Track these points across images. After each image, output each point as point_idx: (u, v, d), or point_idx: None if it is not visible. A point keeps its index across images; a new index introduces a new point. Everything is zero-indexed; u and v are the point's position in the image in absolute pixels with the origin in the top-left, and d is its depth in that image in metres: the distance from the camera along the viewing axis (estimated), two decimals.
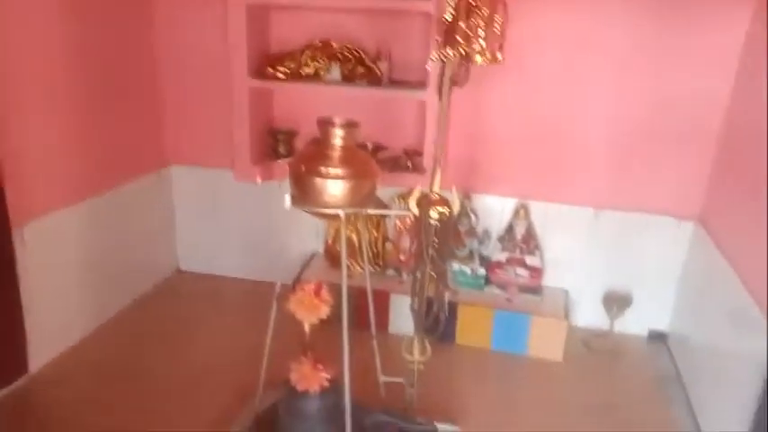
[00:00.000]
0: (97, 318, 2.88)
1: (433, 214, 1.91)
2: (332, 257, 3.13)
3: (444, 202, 1.93)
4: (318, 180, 1.75)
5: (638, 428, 2.37)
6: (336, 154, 1.76)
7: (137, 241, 3.12)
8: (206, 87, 3.10)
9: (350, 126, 1.78)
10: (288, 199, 1.93)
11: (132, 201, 3.03)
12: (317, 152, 1.78)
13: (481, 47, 1.67)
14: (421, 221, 1.92)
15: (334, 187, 1.75)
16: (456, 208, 1.94)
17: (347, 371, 1.85)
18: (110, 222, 2.88)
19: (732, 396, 2.11)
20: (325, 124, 1.78)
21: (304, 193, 1.80)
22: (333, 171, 1.74)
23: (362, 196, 1.82)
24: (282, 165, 3.08)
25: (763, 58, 2.28)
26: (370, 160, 1.85)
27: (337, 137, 1.76)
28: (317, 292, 1.89)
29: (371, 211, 2.01)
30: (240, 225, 3.34)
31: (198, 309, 3.12)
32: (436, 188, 1.95)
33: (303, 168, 1.77)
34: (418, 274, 2.00)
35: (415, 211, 1.93)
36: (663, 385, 2.64)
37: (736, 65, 2.53)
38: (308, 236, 3.26)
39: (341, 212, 1.79)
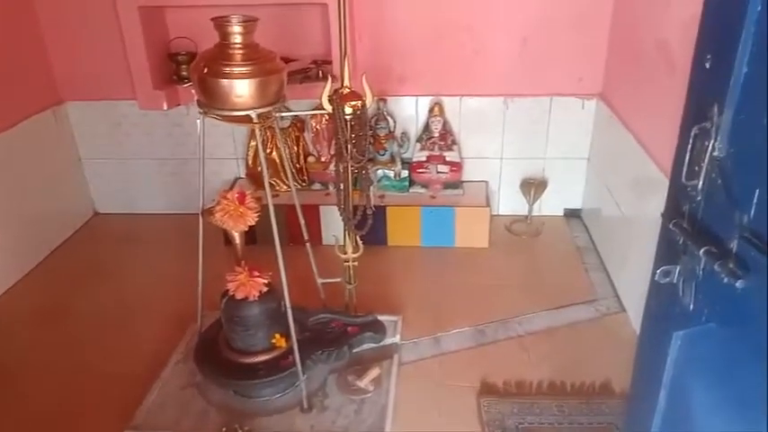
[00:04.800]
0: (20, 268, 2.78)
1: (347, 110, 1.91)
2: (255, 179, 3.08)
3: (356, 95, 1.93)
4: (224, 81, 1.69)
5: (563, 292, 2.56)
6: (238, 52, 1.70)
7: (47, 186, 2.96)
8: (90, 11, 2.84)
9: (248, 21, 1.71)
10: (199, 124, 1.86)
11: (30, 143, 2.84)
12: (219, 53, 1.72)
13: None
14: (335, 118, 1.92)
15: (241, 87, 1.70)
16: (368, 100, 1.95)
17: (283, 271, 1.87)
18: (10, 168, 2.71)
19: (640, 254, 2.31)
20: (222, 22, 1.70)
21: (211, 99, 1.74)
22: (237, 70, 1.69)
23: (272, 94, 1.78)
24: (187, 88, 2.95)
25: None
26: (275, 56, 1.79)
27: (236, 33, 1.69)
28: (242, 200, 1.88)
29: (285, 114, 1.99)
30: (153, 159, 3.21)
31: (121, 248, 3.04)
32: (347, 82, 1.94)
33: (206, 71, 1.70)
34: (341, 170, 2.02)
35: (329, 107, 1.92)
36: (580, 255, 2.86)
37: None
38: (227, 162, 3.19)
39: (253, 113, 1.75)
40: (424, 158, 2.98)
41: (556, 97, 2.92)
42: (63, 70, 3.00)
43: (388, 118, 2.97)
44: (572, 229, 3.07)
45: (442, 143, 2.97)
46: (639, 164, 2.31)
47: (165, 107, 2.90)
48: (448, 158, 2.97)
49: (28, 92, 2.86)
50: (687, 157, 1.01)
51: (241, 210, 1.86)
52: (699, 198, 1.02)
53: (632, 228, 2.43)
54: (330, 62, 2.89)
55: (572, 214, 3.16)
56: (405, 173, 2.99)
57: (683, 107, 1.09)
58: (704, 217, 1.02)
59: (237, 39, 1.70)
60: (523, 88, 2.91)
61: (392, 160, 3.00)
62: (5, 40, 2.70)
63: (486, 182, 3.10)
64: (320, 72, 2.93)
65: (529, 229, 3.07)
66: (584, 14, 2.75)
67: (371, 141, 2.94)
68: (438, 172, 2.97)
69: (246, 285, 1.91)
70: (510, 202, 3.16)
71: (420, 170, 2.98)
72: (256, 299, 1.92)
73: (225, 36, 1.71)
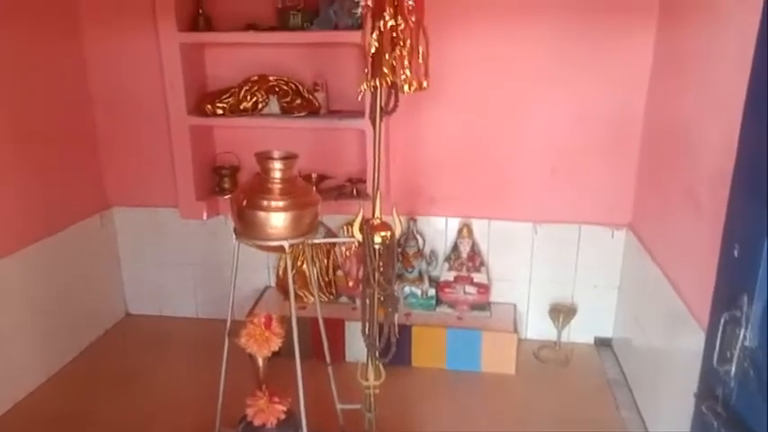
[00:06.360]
0: (49, 368, 2.81)
1: (376, 239, 1.96)
2: (284, 290, 3.12)
3: (386, 226, 1.99)
4: (260, 213, 1.78)
5: (590, 431, 2.44)
6: (277, 186, 1.80)
7: (83, 287, 3.04)
8: (145, 126, 3.09)
9: (288, 158, 1.82)
10: (234, 251, 1.95)
11: (75, 246, 2.97)
12: (258, 185, 1.82)
13: (407, 76, 1.74)
14: (365, 247, 1.97)
15: (277, 219, 1.78)
16: (398, 231, 1.99)
17: (302, 401, 1.85)
18: (53, 269, 2.82)
19: (672, 394, 2.22)
20: (263, 158, 1.81)
21: (247, 228, 1.83)
22: (274, 203, 1.78)
23: (305, 225, 1.85)
24: (228, 200, 3.08)
25: (669, 67, 2.48)
26: (311, 190, 1.89)
27: (276, 170, 1.80)
28: (268, 325, 1.91)
29: (316, 241, 2.05)
30: (188, 264, 3.30)
31: (149, 352, 3.06)
32: (377, 214, 2.01)
33: (245, 203, 1.79)
34: (367, 299, 2.04)
35: (359, 237, 1.97)
36: (611, 389, 2.75)
37: (648, 76, 2.70)
38: (259, 270, 3.25)
39: (285, 244, 1.81)
40: (451, 278, 2.99)
41: (585, 225, 2.94)
42: (113, 178, 3.20)
43: (418, 237, 3.03)
44: (602, 360, 2.97)
45: (470, 264, 2.99)
46: (667, 300, 2.27)
47: (205, 217, 3.03)
48: (476, 280, 2.97)
49: (80, 198, 3.03)
50: (718, 343, 0.99)
51: (266, 335, 1.88)
52: (732, 384, 1.00)
53: (664, 365, 2.34)
54: (364, 181, 3.00)
55: (603, 343, 3.08)
56: (432, 291, 2.99)
57: (709, 249, 1.08)
58: (738, 404, 0.99)
59: (277, 174, 1.80)
60: (553, 215, 2.95)
61: (420, 278, 3.02)
62: (64, 151, 2.91)
63: (513, 305, 3.07)
64: (354, 190, 3.03)
65: (557, 356, 2.98)
66: (613, 146, 2.83)
67: (400, 259, 2.98)
68: (465, 293, 2.97)
69: (265, 412, 1.90)
70: (538, 326, 3.10)
71: (447, 290, 2.99)
72: (274, 426, 1.90)
73: (266, 171, 1.82)
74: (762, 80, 1.06)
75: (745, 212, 0.99)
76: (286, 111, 2.92)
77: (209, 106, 2.90)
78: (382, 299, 2.06)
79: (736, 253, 0.98)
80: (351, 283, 2.96)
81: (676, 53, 2.43)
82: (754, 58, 1.23)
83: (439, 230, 3.09)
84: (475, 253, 3.00)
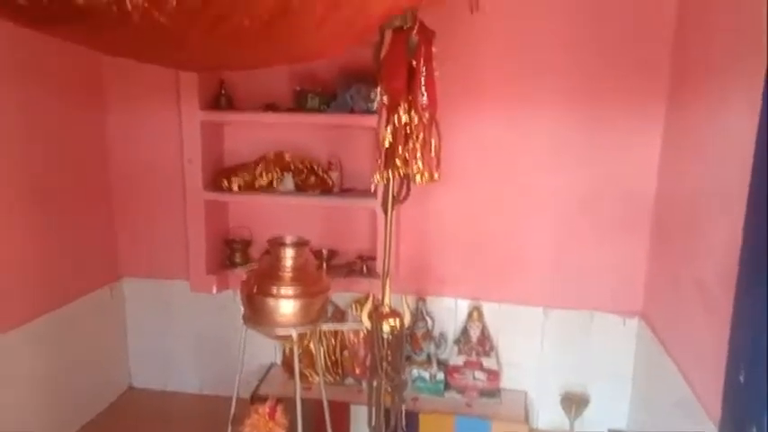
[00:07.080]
0: None
1: (385, 328, 1.95)
2: (290, 369, 3.06)
3: (395, 314, 1.98)
4: (270, 300, 1.78)
5: None
6: (287, 274, 1.81)
7: (88, 360, 3.01)
8: (161, 199, 3.15)
9: (300, 245, 1.84)
10: (242, 337, 1.95)
11: (84, 318, 2.96)
12: (269, 272, 1.83)
13: (419, 168, 1.79)
14: (373, 337, 1.95)
15: (286, 306, 1.79)
16: (407, 319, 1.98)
17: None
18: (59, 343, 2.79)
19: None
20: (275, 245, 1.84)
21: (256, 314, 1.83)
22: (284, 291, 1.78)
23: (315, 312, 1.85)
24: (238, 274, 3.10)
25: (678, 155, 2.51)
26: (321, 276, 1.90)
27: (288, 257, 1.82)
28: (272, 415, 1.87)
29: (324, 327, 2.04)
30: (195, 337, 3.28)
31: (150, 430, 2.97)
32: (387, 301, 2.00)
33: (255, 289, 1.80)
34: (374, 389, 2.01)
35: (368, 324, 1.96)
36: None
37: (657, 163, 2.72)
38: (266, 346, 3.21)
39: (293, 332, 1.81)
40: (461, 363, 2.93)
41: (596, 312, 2.89)
42: (126, 248, 3.23)
43: (427, 318, 2.99)
44: None
45: (480, 348, 2.93)
46: (682, 394, 2.20)
47: (215, 291, 3.03)
48: (485, 365, 2.91)
49: (92, 269, 3.05)
50: None
51: (270, 426, 1.84)
52: None
53: None
54: (374, 258, 3.01)
55: None
56: (441, 375, 2.93)
57: (721, 347, 1.05)
58: None
59: (288, 262, 1.82)
60: (562, 301, 2.91)
61: (428, 361, 2.96)
62: (80, 222, 2.95)
63: (524, 392, 2.99)
64: (364, 267, 3.03)
65: None
66: (622, 234, 2.81)
67: (409, 341, 2.94)
68: (475, 378, 2.90)
69: None
70: (550, 415, 3.00)
71: (457, 375, 2.92)
72: None
73: (277, 257, 1.84)
74: (763, 186, 1.07)
75: (750, 333, 0.98)
76: (300, 188, 2.98)
77: (225, 182, 2.96)
78: (390, 389, 2.03)
79: (742, 379, 0.96)
80: (358, 370, 2.91)
81: (685, 142, 2.45)
82: (753, 163, 1.25)
83: (449, 311, 3.06)
84: (485, 337, 2.95)
